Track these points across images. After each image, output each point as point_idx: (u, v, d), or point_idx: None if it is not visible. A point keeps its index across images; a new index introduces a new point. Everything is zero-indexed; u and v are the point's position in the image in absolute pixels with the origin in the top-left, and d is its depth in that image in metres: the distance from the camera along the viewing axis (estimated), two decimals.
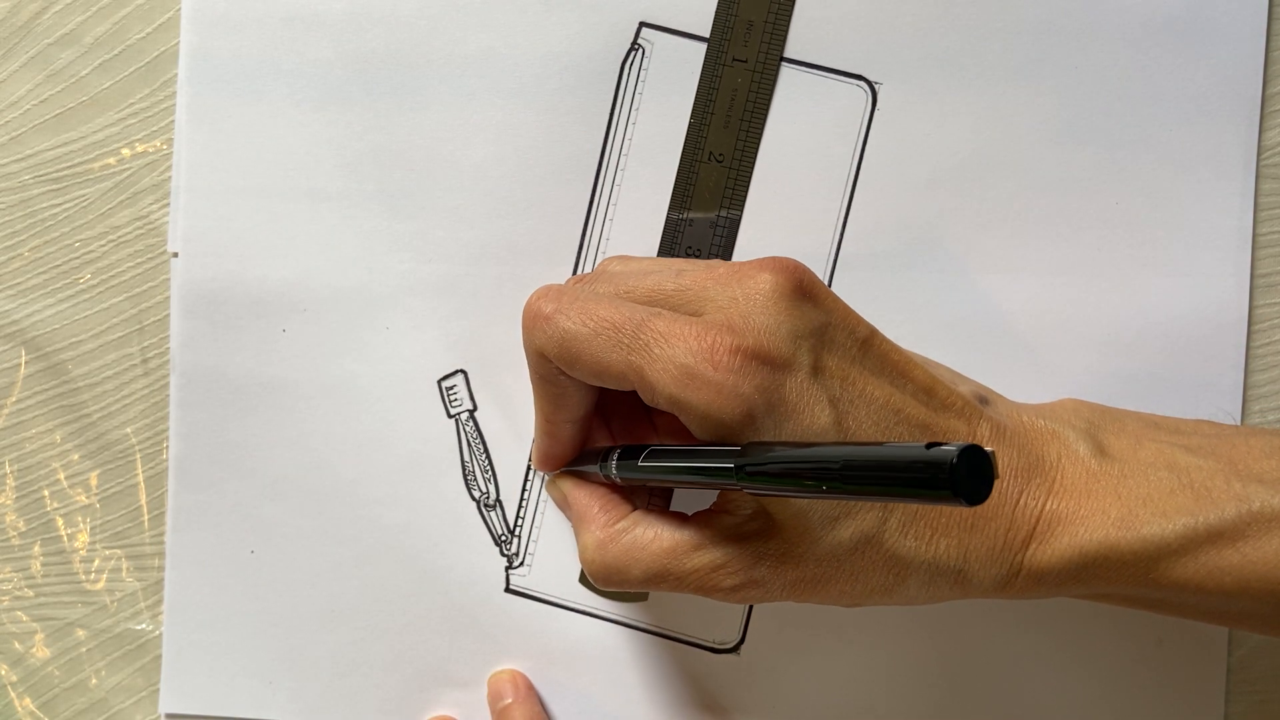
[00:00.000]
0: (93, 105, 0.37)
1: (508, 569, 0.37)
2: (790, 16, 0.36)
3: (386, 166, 0.36)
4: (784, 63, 0.36)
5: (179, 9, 0.36)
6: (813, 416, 0.28)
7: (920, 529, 0.29)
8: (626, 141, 0.36)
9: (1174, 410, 0.35)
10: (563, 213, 0.36)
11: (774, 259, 0.29)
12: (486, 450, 0.37)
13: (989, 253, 0.36)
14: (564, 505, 0.35)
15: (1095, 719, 0.36)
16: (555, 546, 0.37)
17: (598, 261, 0.36)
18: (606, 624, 0.37)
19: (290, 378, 0.37)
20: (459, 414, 0.37)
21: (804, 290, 0.29)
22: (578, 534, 0.33)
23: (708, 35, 0.36)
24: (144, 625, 0.38)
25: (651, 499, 0.34)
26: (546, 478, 0.36)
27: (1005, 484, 0.29)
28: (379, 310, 0.37)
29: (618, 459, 0.31)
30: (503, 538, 0.37)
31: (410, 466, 0.37)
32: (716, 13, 0.36)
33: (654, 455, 0.30)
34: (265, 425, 0.37)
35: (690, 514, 0.31)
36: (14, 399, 0.38)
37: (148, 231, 0.37)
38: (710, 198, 0.36)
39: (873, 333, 0.30)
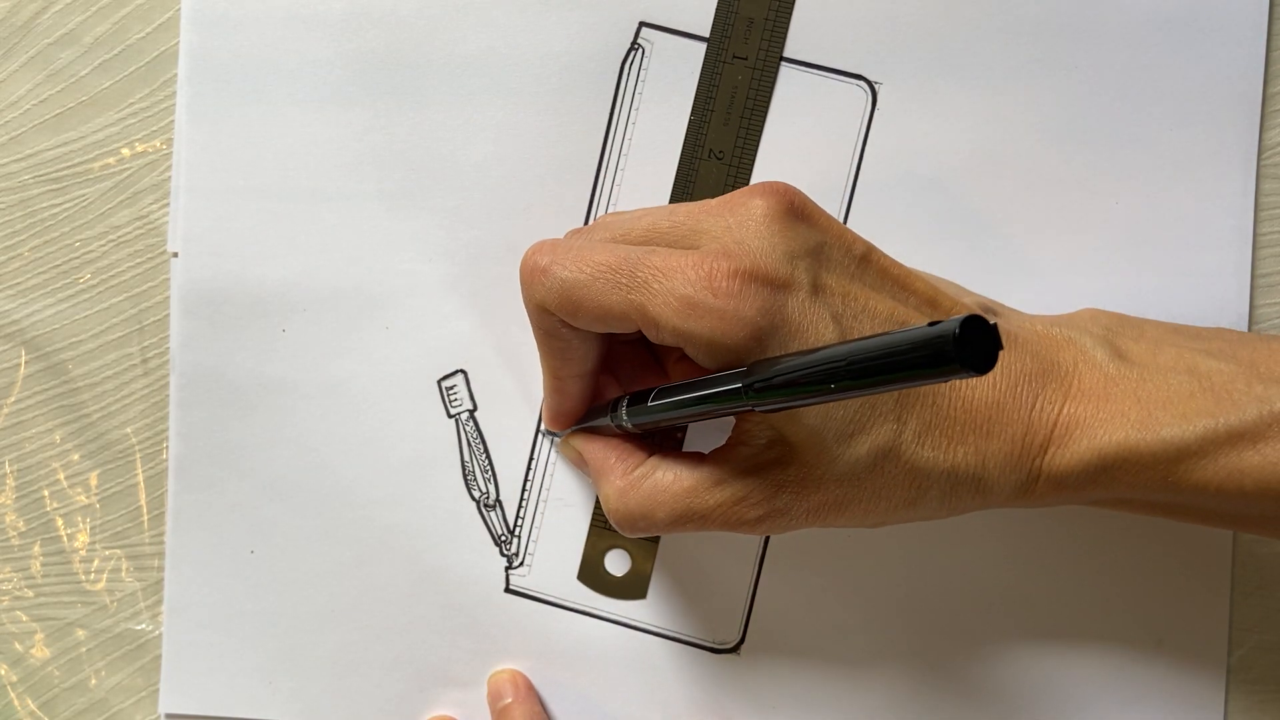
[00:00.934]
0: (92, 105, 0.37)
1: (507, 569, 0.37)
2: (791, 14, 0.36)
3: (386, 166, 0.36)
4: (784, 62, 0.36)
5: (179, 9, 0.36)
6: (817, 334, 0.27)
7: (937, 438, 0.28)
8: (626, 141, 0.36)
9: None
10: (563, 213, 0.36)
11: (764, 183, 0.29)
12: (486, 450, 0.37)
13: (989, 253, 0.36)
14: (579, 463, 0.34)
15: (1095, 719, 0.36)
16: (555, 546, 0.37)
17: (558, 440, 0.36)
18: (606, 624, 0.37)
19: (290, 378, 0.37)
20: (459, 414, 0.37)
21: (796, 211, 0.29)
22: (598, 486, 0.32)
23: (708, 35, 0.36)
24: (144, 625, 0.38)
25: (664, 445, 0.34)
26: (556, 441, 0.36)
27: (1020, 389, 0.29)
28: (379, 310, 0.37)
29: (627, 405, 0.31)
30: (503, 538, 0.37)
31: (410, 466, 0.37)
32: (717, 9, 0.36)
33: (663, 393, 0.30)
34: (265, 425, 0.37)
35: (707, 453, 0.31)
36: (14, 399, 0.38)
37: (147, 231, 0.37)
38: (710, 195, 0.36)
39: (870, 248, 0.30)
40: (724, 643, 0.37)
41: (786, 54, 0.36)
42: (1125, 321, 0.32)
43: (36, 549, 0.38)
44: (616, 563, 0.37)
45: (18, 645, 0.38)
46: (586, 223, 0.36)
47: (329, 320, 0.37)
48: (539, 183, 0.36)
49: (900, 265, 0.30)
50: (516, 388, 0.37)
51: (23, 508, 0.38)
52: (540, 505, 0.37)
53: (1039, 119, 0.36)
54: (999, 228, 0.36)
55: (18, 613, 0.38)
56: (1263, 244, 0.36)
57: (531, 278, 0.30)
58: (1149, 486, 0.29)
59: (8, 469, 0.38)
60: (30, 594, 0.38)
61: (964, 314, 0.19)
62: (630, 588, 0.37)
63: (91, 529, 0.38)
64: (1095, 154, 0.36)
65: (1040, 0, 0.36)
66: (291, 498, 0.37)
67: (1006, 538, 0.36)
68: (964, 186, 0.36)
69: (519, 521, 0.37)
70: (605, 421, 0.33)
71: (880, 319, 0.28)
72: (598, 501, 0.37)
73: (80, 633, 0.38)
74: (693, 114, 0.36)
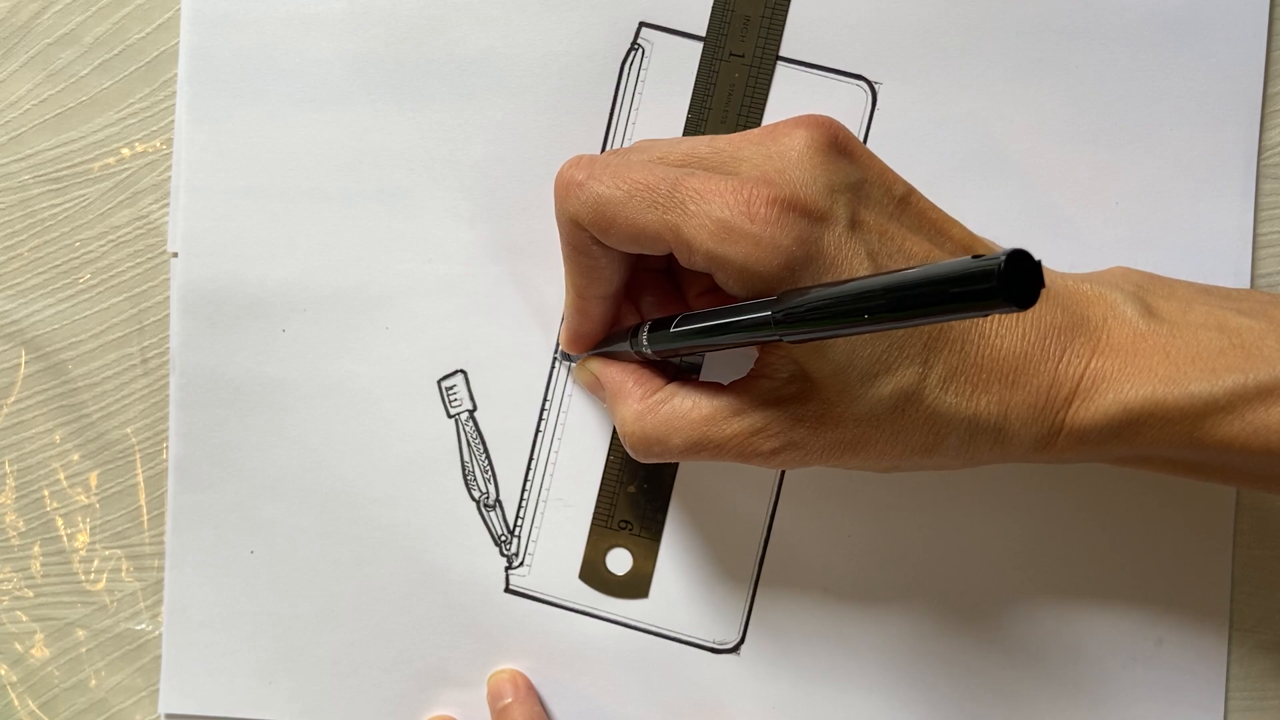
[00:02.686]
0: (92, 105, 0.37)
1: (507, 569, 0.37)
2: (787, 11, 0.36)
3: (386, 166, 0.36)
4: (785, 62, 0.36)
5: (179, 9, 0.36)
6: (851, 269, 0.27)
7: (961, 385, 0.28)
8: (626, 141, 0.36)
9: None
10: None
11: (808, 116, 0.29)
12: (486, 450, 0.37)
13: None
14: (594, 386, 0.34)
15: (1096, 719, 0.36)
16: (555, 546, 0.37)
17: (574, 364, 0.36)
18: (606, 624, 0.37)
19: (290, 378, 0.37)
20: (459, 414, 0.37)
21: (839, 145, 0.29)
22: (613, 409, 0.32)
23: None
24: (144, 625, 0.38)
25: (682, 374, 0.33)
26: (573, 366, 0.36)
27: (1048, 341, 0.29)
28: (379, 310, 0.37)
29: (649, 330, 0.31)
30: (502, 538, 0.37)
31: (410, 466, 0.37)
32: (714, 7, 0.36)
33: (688, 320, 0.29)
34: (265, 425, 0.37)
35: (726, 384, 0.30)
36: (14, 399, 0.38)
37: (147, 231, 0.37)
38: None
39: (910, 190, 0.30)
40: (724, 643, 0.37)
41: (786, 53, 0.36)
42: (1155, 280, 0.31)
43: (36, 549, 0.38)
44: (618, 562, 0.37)
45: (18, 645, 0.38)
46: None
47: (329, 320, 0.37)
48: (539, 183, 0.36)
49: (939, 210, 0.30)
50: (516, 388, 0.37)
51: (23, 508, 0.38)
52: (540, 505, 0.37)
53: (1039, 119, 0.36)
54: (999, 228, 0.36)
55: (18, 613, 0.38)
56: (1263, 244, 0.36)
57: (566, 190, 0.30)
58: (1173, 442, 0.28)
59: (8, 469, 0.38)
60: (30, 594, 0.38)
61: (1009, 248, 0.19)
62: (632, 587, 0.37)
63: (91, 529, 0.38)
64: (1095, 154, 0.36)
65: (1040, 1, 0.36)
66: (291, 498, 0.37)
67: (1007, 541, 0.36)
68: (964, 187, 0.36)
69: (519, 521, 0.37)
70: (624, 347, 0.32)
71: (915, 260, 0.28)
72: (599, 500, 0.37)
73: (80, 633, 0.38)
74: (690, 112, 0.36)
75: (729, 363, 0.35)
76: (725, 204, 0.27)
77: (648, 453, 0.31)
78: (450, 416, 0.37)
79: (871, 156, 0.29)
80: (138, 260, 0.37)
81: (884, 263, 0.28)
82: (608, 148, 0.36)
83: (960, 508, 0.36)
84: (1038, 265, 0.19)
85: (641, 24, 0.36)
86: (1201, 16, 0.36)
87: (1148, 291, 0.31)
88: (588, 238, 0.30)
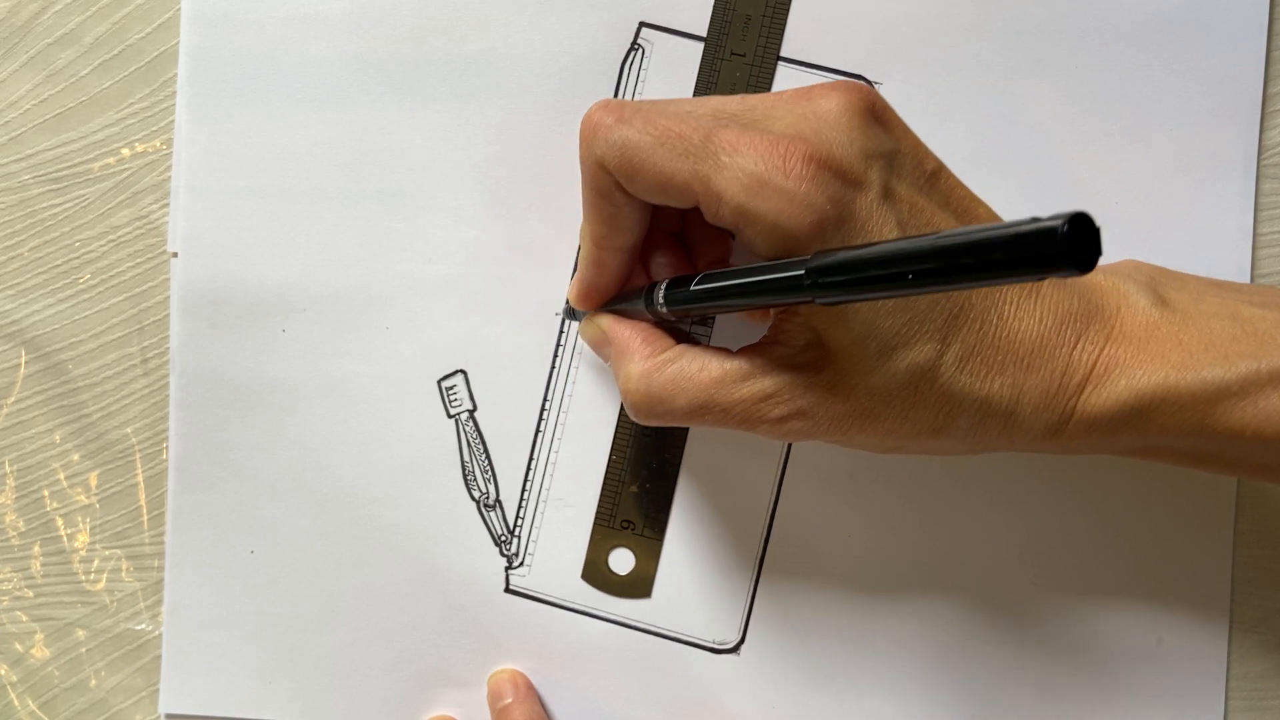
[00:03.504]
0: (92, 105, 0.37)
1: (507, 569, 0.37)
2: (788, 11, 0.36)
3: (386, 166, 0.36)
4: (785, 62, 0.36)
5: (179, 9, 0.36)
6: (880, 237, 0.27)
7: (976, 366, 0.28)
8: None
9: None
10: (563, 213, 0.36)
11: (844, 81, 0.29)
12: (486, 450, 0.37)
13: None
14: (601, 343, 0.33)
15: (1096, 719, 0.36)
16: (555, 546, 0.37)
17: (581, 319, 0.36)
18: (606, 624, 0.37)
19: (290, 378, 0.37)
20: (459, 414, 0.37)
21: (876, 113, 0.28)
22: (618, 367, 0.31)
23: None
24: (144, 625, 0.38)
25: (693, 334, 0.33)
26: (580, 322, 0.35)
27: (1064, 327, 0.29)
28: (379, 310, 0.37)
29: (666, 288, 0.30)
30: (502, 538, 0.37)
31: (410, 466, 0.37)
32: (715, 5, 0.36)
33: (710, 277, 0.29)
34: (265, 425, 0.37)
35: (736, 349, 0.30)
36: (14, 399, 0.38)
37: (147, 231, 0.37)
38: None
39: (941, 166, 0.29)
40: (724, 643, 0.37)
41: (787, 53, 0.36)
42: (1167, 273, 0.31)
43: (36, 549, 0.38)
44: (620, 562, 0.37)
45: (18, 645, 0.38)
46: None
47: (329, 320, 0.37)
48: (539, 183, 0.36)
49: (967, 189, 0.30)
50: (516, 388, 0.37)
51: (23, 508, 0.38)
52: (540, 505, 0.37)
53: (1039, 119, 0.36)
54: None
55: (18, 613, 0.38)
56: (1263, 244, 0.36)
57: (593, 133, 0.29)
58: (1183, 430, 0.28)
59: (8, 469, 0.38)
60: (30, 594, 0.38)
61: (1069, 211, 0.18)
62: (634, 587, 0.37)
63: (91, 529, 0.38)
64: (1095, 154, 0.36)
65: (1041, 0, 0.36)
66: (291, 498, 0.37)
67: (1007, 542, 0.36)
68: None
69: (519, 521, 0.37)
70: (636, 305, 0.32)
71: None
72: (601, 499, 0.37)
73: (80, 633, 0.38)
74: None
75: (739, 335, 0.35)
76: (760, 157, 0.27)
77: (650, 412, 0.30)
78: (450, 416, 0.37)
79: (905, 128, 0.29)
80: (138, 260, 0.37)
81: (912, 235, 0.27)
82: None
83: (961, 509, 0.36)
84: (1097, 230, 0.18)
85: (641, 24, 0.36)
86: (1201, 16, 0.36)
87: (1160, 283, 0.30)
88: (611, 183, 0.29)
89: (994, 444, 0.29)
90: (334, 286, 0.37)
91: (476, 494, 0.37)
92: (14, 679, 0.39)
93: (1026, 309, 0.29)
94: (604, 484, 0.37)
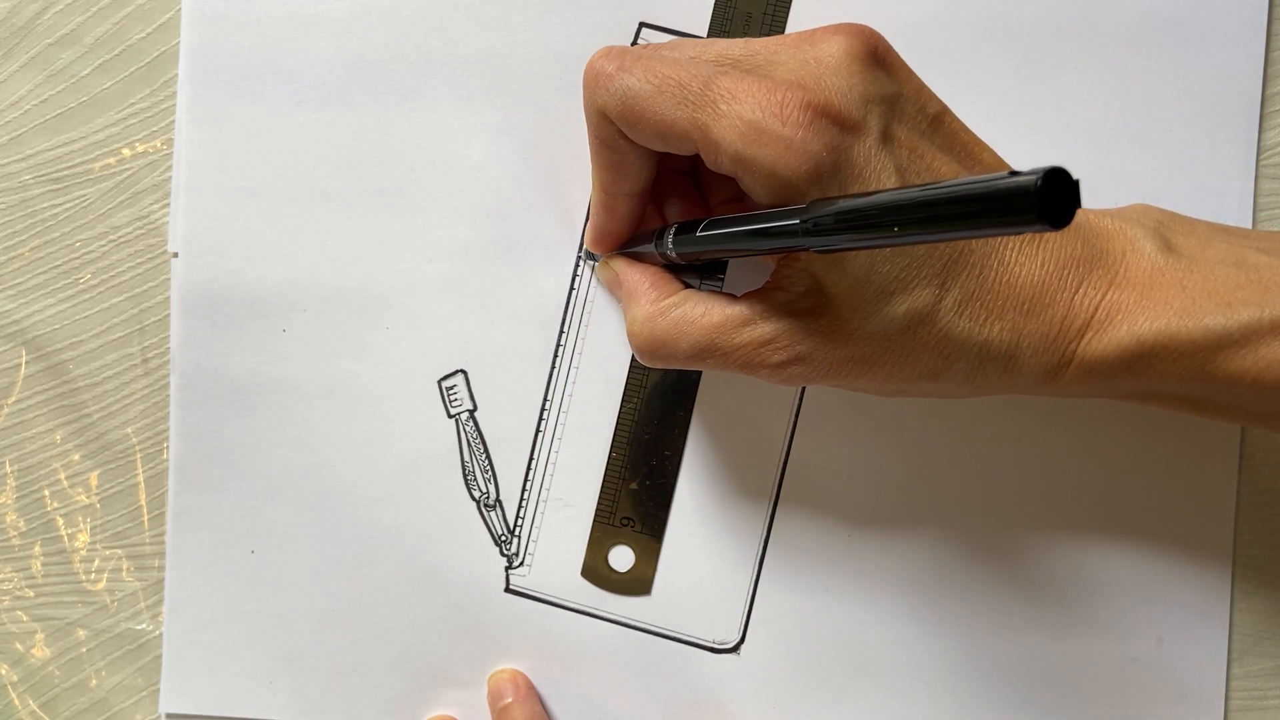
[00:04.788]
0: (93, 105, 0.37)
1: (508, 569, 0.37)
2: (788, 10, 0.36)
3: (386, 167, 0.36)
4: None
5: (179, 9, 0.37)
6: (879, 182, 0.27)
7: (975, 310, 0.28)
8: None
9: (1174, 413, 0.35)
10: (563, 213, 0.36)
11: (848, 23, 0.29)
12: (486, 450, 0.37)
13: None
14: (614, 285, 0.34)
15: (1096, 718, 0.36)
16: (555, 546, 0.37)
17: (598, 262, 0.36)
18: (606, 624, 0.37)
19: (290, 378, 0.37)
20: (459, 414, 0.37)
21: (878, 56, 0.28)
22: (626, 310, 0.32)
23: (707, 34, 0.36)
24: (144, 625, 0.38)
25: (703, 284, 0.33)
26: (596, 264, 0.36)
27: (1066, 272, 0.29)
28: (379, 310, 0.37)
29: (674, 233, 0.31)
30: (503, 538, 0.37)
31: (410, 466, 0.37)
32: (715, 6, 0.36)
33: (714, 224, 0.29)
34: (265, 425, 0.37)
35: (739, 295, 0.30)
36: (14, 399, 0.38)
37: (148, 231, 0.37)
38: None
39: (944, 110, 0.29)
40: (724, 643, 0.37)
41: None
42: (1176, 217, 0.31)
43: (37, 549, 0.38)
44: (620, 559, 0.37)
45: (18, 645, 0.38)
46: (586, 222, 0.36)
47: (329, 320, 0.37)
48: (539, 183, 0.36)
49: (971, 133, 0.30)
50: (516, 388, 0.37)
51: (23, 508, 0.38)
52: (540, 505, 0.37)
53: (1039, 119, 0.36)
54: None
55: (18, 612, 0.38)
56: None
57: (595, 81, 0.29)
58: (1183, 377, 0.28)
59: (8, 469, 0.38)
60: (31, 594, 0.38)
61: (1046, 166, 0.18)
62: (634, 584, 0.37)
63: (92, 529, 0.38)
64: (1095, 154, 0.36)
65: (1040, 1, 0.36)
66: (292, 498, 0.37)
67: (1005, 542, 0.36)
68: None
69: (519, 521, 0.37)
70: (649, 249, 0.32)
71: (944, 180, 0.28)
72: (601, 497, 0.37)
73: (81, 632, 0.38)
74: None
75: (753, 279, 0.35)
76: (757, 104, 0.27)
77: (653, 356, 0.31)
78: (450, 416, 0.37)
79: (909, 71, 0.29)
80: (138, 260, 0.37)
81: (911, 180, 0.27)
82: None
83: (963, 514, 0.36)
84: (1075, 185, 0.18)
85: (642, 24, 0.36)
86: (1201, 17, 0.36)
87: (1167, 228, 0.30)
88: (614, 131, 0.30)
89: (993, 387, 0.29)
90: (334, 286, 0.37)
91: (476, 494, 0.37)
92: (14, 679, 0.39)
93: (1028, 254, 0.29)
94: (604, 481, 0.37)
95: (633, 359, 0.36)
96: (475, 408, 0.37)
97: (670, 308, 0.30)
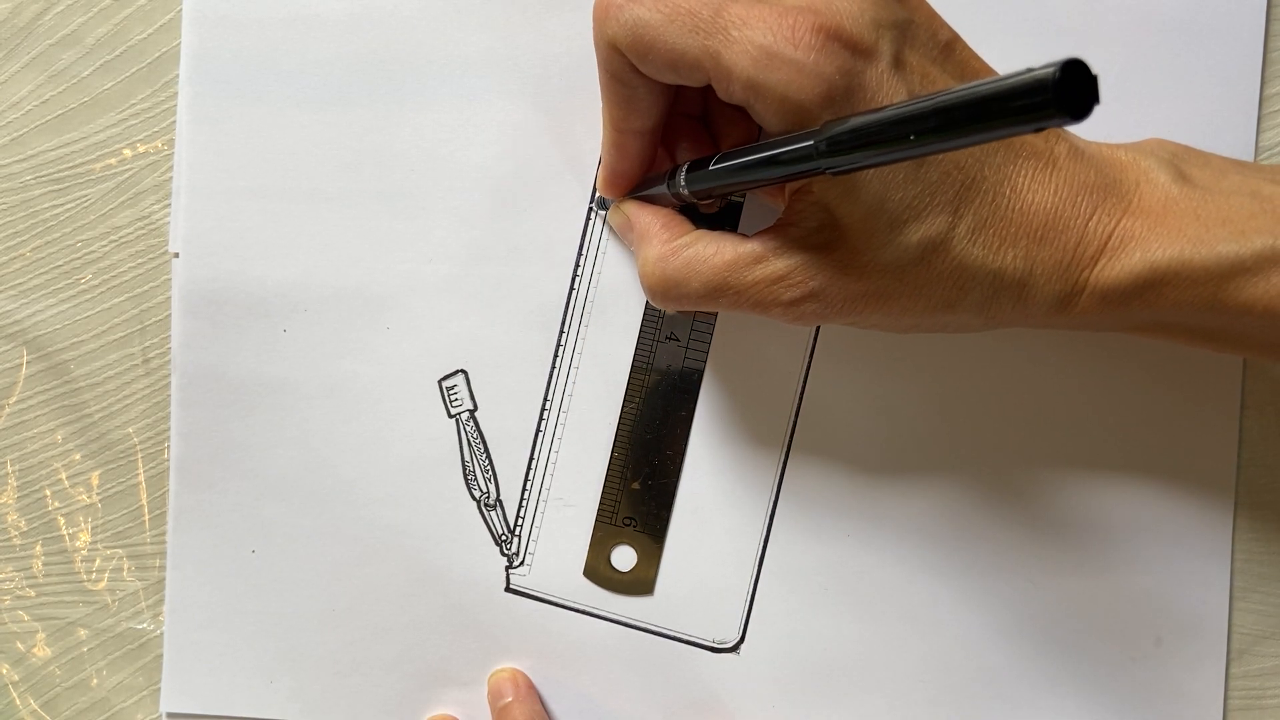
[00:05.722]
0: (94, 106, 0.37)
1: (508, 569, 0.37)
2: None
3: (387, 167, 0.36)
4: None
5: (180, 10, 0.37)
6: None
7: (989, 238, 0.28)
8: None
9: (1173, 412, 0.36)
10: (563, 213, 0.36)
11: None
12: (487, 450, 0.37)
13: None
14: (625, 229, 0.34)
15: (1095, 718, 0.36)
16: (555, 546, 0.37)
17: (598, 262, 0.36)
18: (606, 624, 0.37)
19: (291, 378, 0.37)
20: (459, 414, 0.37)
21: None
22: (638, 251, 0.32)
23: None
24: (145, 624, 0.38)
25: (716, 227, 0.33)
26: (607, 212, 0.35)
27: (1080, 199, 0.28)
28: (379, 310, 0.37)
29: (687, 170, 0.30)
30: (503, 537, 0.37)
31: (410, 466, 0.37)
32: None
33: (726, 157, 0.29)
34: (266, 425, 0.37)
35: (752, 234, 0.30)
36: (15, 399, 0.38)
37: (149, 232, 0.37)
38: None
39: (955, 37, 0.29)
40: (724, 643, 0.37)
41: None
42: (1190, 151, 0.31)
43: (38, 548, 0.38)
44: (622, 559, 0.37)
45: (19, 644, 0.39)
46: (587, 223, 0.36)
47: (330, 320, 0.37)
48: (539, 183, 0.36)
49: (982, 61, 0.30)
50: (517, 388, 0.37)
51: (24, 507, 0.38)
52: (540, 505, 0.37)
53: None
54: None
55: (19, 612, 0.39)
56: None
57: (605, 13, 0.29)
58: (1195, 305, 0.28)
59: (10, 469, 0.38)
60: (32, 593, 0.38)
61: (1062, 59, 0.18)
62: (636, 584, 0.37)
63: (93, 528, 0.38)
64: None
65: (1039, 1, 0.36)
66: (292, 497, 0.37)
67: (1003, 542, 0.36)
68: None
69: (519, 521, 0.37)
70: (661, 190, 0.32)
71: None
72: (603, 496, 0.37)
73: (82, 632, 0.38)
74: None
75: (767, 220, 0.35)
76: (769, 29, 0.27)
77: (665, 296, 0.31)
78: (451, 416, 0.37)
79: None
80: (139, 260, 0.38)
81: None
82: None
83: (958, 511, 0.36)
84: (1093, 78, 0.18)
85: None
86: (1200, 17, 0.36)
87: (1182, 160, 0.30)
88: (625, 64, 0.30)
89: (1006, 318, 0.29)
90: (335, 286, 0.37)
91: (477, 493, 0.37)
92: (15, 678, 0.39)
93: (1041, 181, 0.29)
94: (606, 480, 0.37)
95: (635, 357, 0.36)
96: (476, 407, 0.37)
97: (682, 247, 0.30)
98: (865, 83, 0.27)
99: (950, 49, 0.29)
